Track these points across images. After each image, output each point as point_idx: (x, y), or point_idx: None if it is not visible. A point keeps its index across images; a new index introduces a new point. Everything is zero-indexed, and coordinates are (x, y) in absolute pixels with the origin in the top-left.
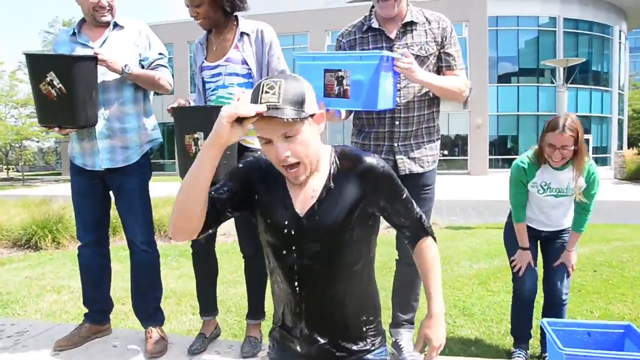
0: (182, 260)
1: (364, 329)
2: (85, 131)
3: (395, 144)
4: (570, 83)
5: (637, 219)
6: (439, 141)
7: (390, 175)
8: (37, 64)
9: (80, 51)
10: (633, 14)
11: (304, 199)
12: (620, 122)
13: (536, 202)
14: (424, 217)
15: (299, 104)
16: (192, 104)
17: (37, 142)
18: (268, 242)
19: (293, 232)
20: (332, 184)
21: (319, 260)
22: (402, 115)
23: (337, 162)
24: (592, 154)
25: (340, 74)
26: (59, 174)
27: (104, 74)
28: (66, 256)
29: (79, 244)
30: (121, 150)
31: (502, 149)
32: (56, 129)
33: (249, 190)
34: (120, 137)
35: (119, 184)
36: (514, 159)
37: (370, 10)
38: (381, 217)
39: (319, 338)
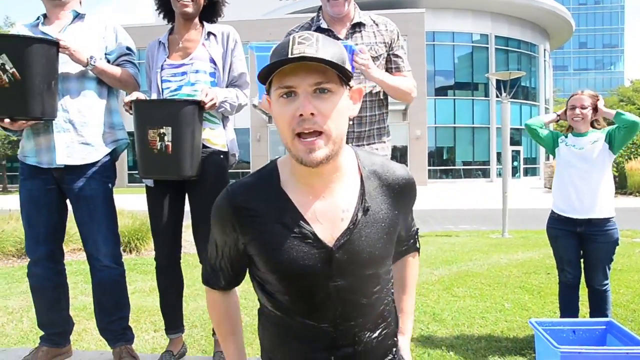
0: (133, 275)
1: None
2: (41, 125)
3: (350, 145)
4: (505, 97)
5: None
6: (390, 142)
7: (416, 188)
8: None
9: None
10: (555, 34)
11: (331, 223)
12: None
13: (563, 165)
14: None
15: (341, 62)
16: None
17: None
18: (276, 283)
19: (319, 269)
20: (368, 203)
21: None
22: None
23: (367, 172)
24: (523, 164)
25: None
26: None
27: (65, 64)
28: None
29: (27, 260)
30: (80, 147)
31: (439, 160)
32: (7, 121)
33: (236, 238)
34: (80, 132)
35: (78, 190)
36: (451, 169)
37: (318, 12)
38: None
39: None
